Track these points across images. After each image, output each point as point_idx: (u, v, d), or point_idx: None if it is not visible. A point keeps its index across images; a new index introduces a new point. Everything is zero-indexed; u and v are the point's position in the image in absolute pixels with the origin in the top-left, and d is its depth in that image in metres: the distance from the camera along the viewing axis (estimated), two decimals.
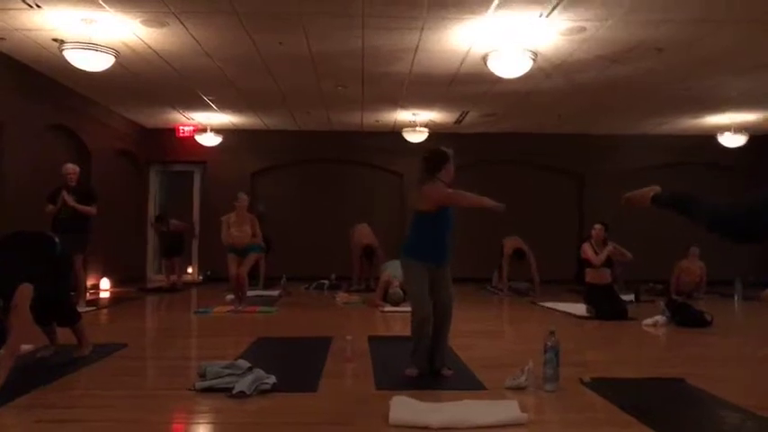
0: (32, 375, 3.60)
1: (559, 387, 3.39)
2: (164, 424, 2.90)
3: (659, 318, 6.14)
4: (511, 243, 9.28)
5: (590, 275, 7.00)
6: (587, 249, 7.06)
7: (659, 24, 5.87)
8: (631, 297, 8.21)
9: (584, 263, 7.12)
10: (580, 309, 6.96)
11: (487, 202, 3.85)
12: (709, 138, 10.31)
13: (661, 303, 6.70)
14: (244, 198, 7.32)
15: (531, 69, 6.52)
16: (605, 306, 6.64)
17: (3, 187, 7.16)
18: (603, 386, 3.49)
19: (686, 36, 6.17)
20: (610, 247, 7.03)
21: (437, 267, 3.81)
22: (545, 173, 11.98)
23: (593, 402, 3.22)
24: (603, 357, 4.70)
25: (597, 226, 7.12)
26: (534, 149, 11.70)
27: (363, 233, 9.66)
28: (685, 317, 6.09)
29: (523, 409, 2.91)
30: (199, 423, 2.94)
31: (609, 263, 7.05)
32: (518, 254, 9.15)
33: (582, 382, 3.58)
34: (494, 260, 9.99)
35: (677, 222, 3.25)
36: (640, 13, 5.61)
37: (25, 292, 3.33)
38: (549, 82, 7.88)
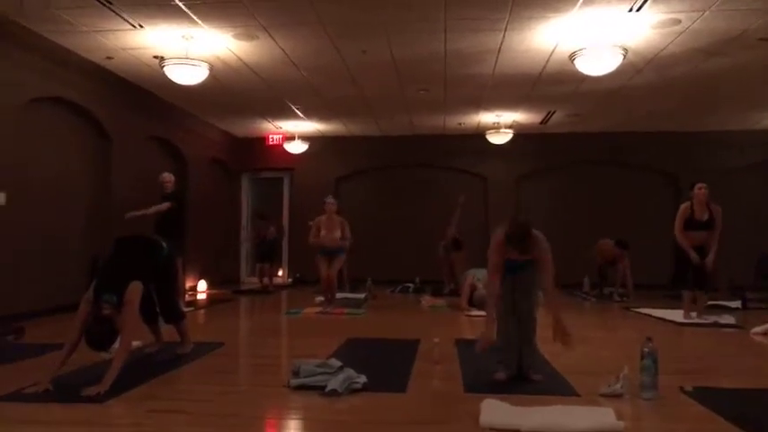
0: (141, 370, 3.86)
1: (658, 395, 3.25)
2: (259, 419, 3.03)
3: None
4: (603, 248, 9.03)
5: (687, 236, 6.37)
6: (684, 210, 6.43)
7: (763, 13, 5.52)
8: (738, 304, 7.71)
9: (683, 224, 6.41)
10: (677, 315, 6.61)
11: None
12: None
13: None
14: (332, 202, 7.50)
15: (620, 65, 6.30)
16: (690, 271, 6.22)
17: (110, 196, 7.73)
18: (707, 395, 3.30)
19: None
20: (717, 209, 6.35)
21: (519, 270, 3.74)
22: (636, 173, 11.50)
23: (695, 412, 3.06)
24: (706, 366, 4.45)
25: (699, 185, 6.40)
26: (624, 149, 11.26)
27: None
28: None
29: (620, 417, 2.81)
30: (292, 419, 3.04)
31: (709, 224, 6.34)
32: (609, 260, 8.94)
33: (683, 390, 3.41)
34: (582, 265, 9.69)
35: None
36: (741, 2, 5.29)
37: (136, 289, 3.58)
38: (640, 78, 7.57)
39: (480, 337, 3.72)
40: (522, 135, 10.60)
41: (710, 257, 6.35)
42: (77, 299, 3.61)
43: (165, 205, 7.21)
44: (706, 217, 6.35)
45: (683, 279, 6.53)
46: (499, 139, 10.21)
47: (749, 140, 10.77)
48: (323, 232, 7.32)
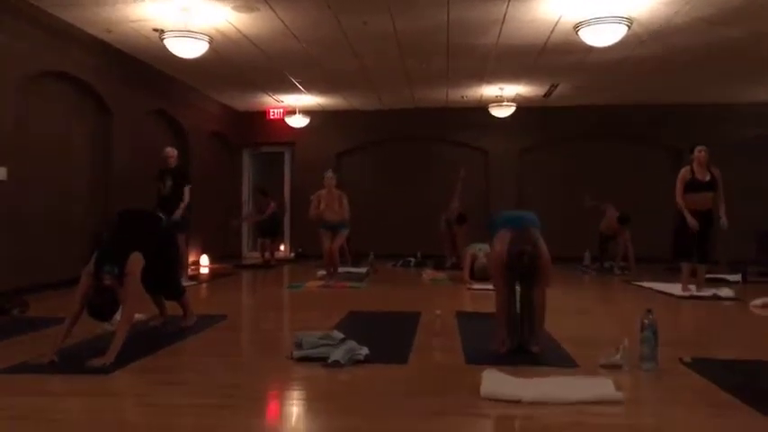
0: (145, 342, 3.90)
1: (657, 367, 3.27)
2: (262, 390, 3.06)
3: None
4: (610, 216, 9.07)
5: (687, 200, 6.32)
6: (684, 173, 6.41)
7: None
8: (738, 277, 7.73)
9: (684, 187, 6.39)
10: (677, 288, 6.63)
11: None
12: None
13: None
14: (331, 176, 7.49)
15: (624, 37, 6.21)
16: (690, 242, 6.22)
17: (111, 169, 7.73)
18: (705, 367, 3.33)
19: None
20: (717, 171, 6.34)
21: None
22: (640, 147, 11.44)
23: (693, 383, 3.09)
24: (706, 338, 4.50)
25: (699, 147, 6.39)
26: (628, 122, 11.18)
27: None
28: None
29: (619, 387, 2.84)
30: (295, 390, 3.08)
31: (712, 185, 6.31)
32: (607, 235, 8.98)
33: (682, 361, 3.43)
34: (584, 239, 9.71)
35: None
36: None
37: (137, 260, 3.59)
38: (644, 49, 7.48)
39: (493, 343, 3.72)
40: (525, 108, 10.51)
41: (723, 219, 6.33)
42: (80, 273, 3.62)
43: (187, 194, 7.17)
44: (708, 178, 6.34)
45: (684, 251, 6.54)
46: (502, 112, 10.14)
47: (754, 113, 10.68)
48: (323, 206, 7.32)
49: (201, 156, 10.30)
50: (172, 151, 7.43)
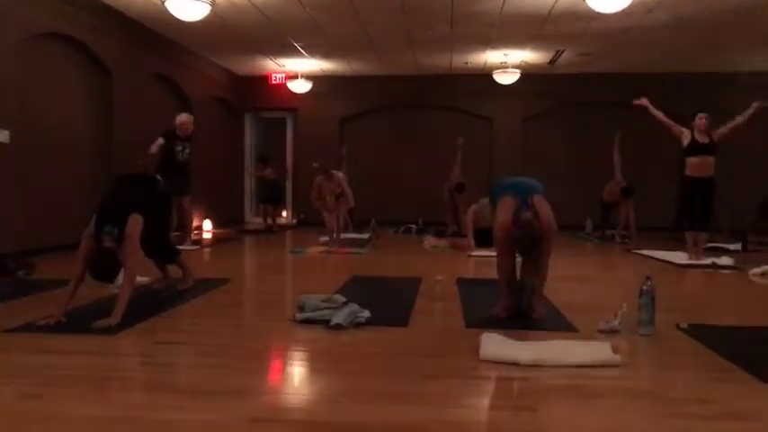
0: (149, 305, 3.95)
1: (655, 332, 3.32)
2: (265, 350, 3.11)
3: None
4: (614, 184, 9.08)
5: (689, 165, 6.40)
6: (687, 132, 6.44)
7: None
8: (738, 246, 7.76)
9: (684, 151, 6.45)
10: (677, 257, 6.67)
11: None
12: None
13: None
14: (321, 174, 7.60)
15: (631, 4, 6.12)
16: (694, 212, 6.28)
17: (112, 133, 7.71)
18: (702, 332, 3.37)
19: None
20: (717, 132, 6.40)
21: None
22: (645, 116, 11.27)
23: (690, 348, 3.13)
24: (703, 305, 4.53)
25: (701, 114, 6.43)
26: (633, 91, 10.99)
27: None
28: None
29: (616, 351, 2.88)
30: (297, 351, 3.13)
31: (712, 148, 6.34)
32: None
33: (679, 327, 3.48)
34: (586, 207, 9.73)
35: None
36: None
37: (136, 221, 3.60)
38: (651, 17, 7.37)
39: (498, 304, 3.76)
40: (530, 75, 10.42)
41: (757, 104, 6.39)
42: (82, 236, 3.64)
43: (158, 141, 7.00)
44: (707, 140, 6.37)
45: (688, 221, 6.57)
46: (506, 79, 10.05)
47: (761, 81, 10.56)
48: (325, 192, 7.47)
49: (204, 120, 10.24)
50: (189, 118, 7.29)
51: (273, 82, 11.39)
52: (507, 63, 9.95)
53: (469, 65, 10.49)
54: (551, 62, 10.14)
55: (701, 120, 6.39)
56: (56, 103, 6.81)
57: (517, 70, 9.98)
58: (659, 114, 6.53)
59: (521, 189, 3.78)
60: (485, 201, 7.17)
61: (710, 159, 6.37)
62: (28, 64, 6.30)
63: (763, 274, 5.71)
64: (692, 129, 6.46)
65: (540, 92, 11.18)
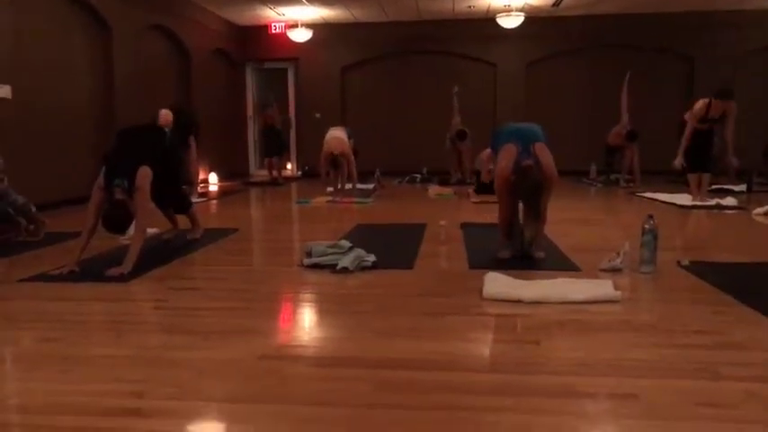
0: (160, 254, 4.03)
1: (656, 270, 3.37)
2: (274, 293, 3.19)
3: None
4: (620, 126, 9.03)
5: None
6: (699, 110, 6.47)
7: None
8: (743, 187, 7.75)
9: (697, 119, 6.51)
10: (681, 199, 6.68)
11: None
12: None
13: None
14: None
15: None
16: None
17: (112, 86, 7.66)
18: (703, 269, 3.43)
19: None
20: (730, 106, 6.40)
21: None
22: (650, 56, 11.12)
23: (690, 284, 3.19)
24: (705, 244, 4.58)
25: (726, 100, 6.36)
26: (639, 32, 10.84)
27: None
28: None
29: (618, 288, 2.94)
30: (305, 293, 3.21)
31: (720, 119, 6.43)
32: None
33: (680, 264, 3.53)
34: (590, 152, 9.69)
35: None
36: None
37: (145, 173, 3.64)
38: None
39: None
40: (534, 18, 10.20)
41: (733, 160, 6.59)
42: (90, 190, 3.68)
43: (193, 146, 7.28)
44: (718, 116, 6.39)
45: (693, 164, 6.56)
46: (510, 22, 9.84)
47: (766, 20, 10.33)
48: (332, 174, 7.63)
49: (204, 72, 10.16)
50: (165, 111, 6.84)
51: (273, 31, 11.20)
52: (511, 6, 9.73)
53: (473, 8, 10.27)
54: (556, 4, 9.91)
55: (727, 104, 6.33)
56: (55, 58, 6.74)
57: (521, 13, 9.77)
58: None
59: (522, 137, 3.75)
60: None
61: (716, 126, 6.51)
62: (25, 18, 6.21)
63: (766, 214, 5.73)
64: (709, 102, 6.39)
65: (545, 35, 10.96)
